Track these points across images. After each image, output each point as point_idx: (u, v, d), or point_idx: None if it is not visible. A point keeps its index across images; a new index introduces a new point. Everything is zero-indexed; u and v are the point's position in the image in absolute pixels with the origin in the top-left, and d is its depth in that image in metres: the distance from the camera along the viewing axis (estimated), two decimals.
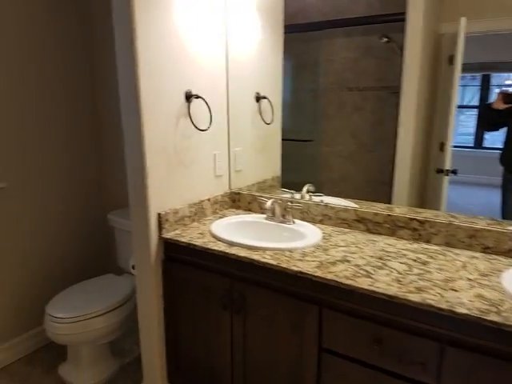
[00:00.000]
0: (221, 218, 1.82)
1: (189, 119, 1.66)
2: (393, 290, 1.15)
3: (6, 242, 2.07)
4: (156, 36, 1.48)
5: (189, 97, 1.65)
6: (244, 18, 1.85)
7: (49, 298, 2.28)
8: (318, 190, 1.81)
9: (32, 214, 2.17)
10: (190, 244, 1.53)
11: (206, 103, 1.72)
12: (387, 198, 1.67)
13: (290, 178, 1.95)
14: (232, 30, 1.83)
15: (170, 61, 1.55)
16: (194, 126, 1.67)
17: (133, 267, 1.76)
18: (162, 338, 1.73)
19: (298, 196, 1.84)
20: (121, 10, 1.41)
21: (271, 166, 2.02)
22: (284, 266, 1.31)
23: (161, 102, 1.54)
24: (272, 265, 1.33)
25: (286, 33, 1.86)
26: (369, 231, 1.64)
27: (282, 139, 1.98)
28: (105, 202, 2.54)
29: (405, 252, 1.43)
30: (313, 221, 1.75)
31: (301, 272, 1.28)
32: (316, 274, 1.25)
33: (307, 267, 1.30)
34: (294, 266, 1.31)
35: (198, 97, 1.67)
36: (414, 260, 1.36)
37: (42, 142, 2.17)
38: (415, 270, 1.28)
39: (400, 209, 1.61)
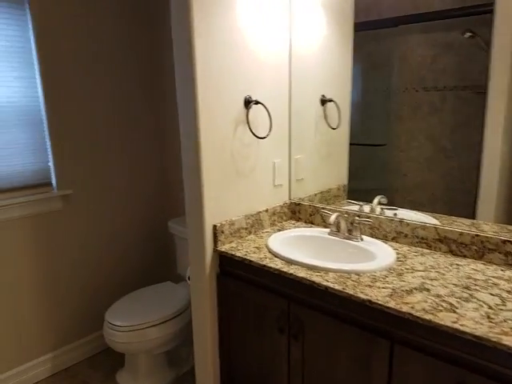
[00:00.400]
0: (279, 230, 1.70)
1: (247, 126, 1.57)
2: (482, 329, 0.95)
3: (71, 246, 2.14)
4: (216, 34, 1.40)
5: (248, 103, 1.55)
6: (309, 14, 1.72)
7: (110, 301, 2.33)
8: (390, 199, 1.62)
9: (95, 218, 2.22)
10: (244, 259, 1.42)
11: (266, 109, 1.61)
12: (470, 211, 1.43)
13: (358, 187, 1.78)
14: (296, 28, 1.71)
15: (229, 61, 1.47)
16: (253, 133, 1.57)
17: (189, 278, 1.71)
18: (215, 352, 1.64)
19: (367, 208, 1.66)
20: (178, 5, 1.35)
21: (336, 173, 1.86)
22: (350, 292, 1.16)
23: (219, 108, 1.46)
24: (335, 290, 1.18)
25: (355, 31, 1.71)
26: (452, 253, 1.41)
27: (350, 144, 1.82)
28: (167, 209, 2.55)
29: (496, 281, 1.20)
30: (384, 238, 1.57)
31: (370, 301, 1.11)
32: (388, 305, 1.08)
33: (377, 295, 1.13)
34: (362, 292, 1.15)
35: (257, 102, 1.57)
36: (509, 292, 1.13)
37: (106, 150, 2.21)
38: (510, 305, 1.05)
39: (489, 226, 1.37)
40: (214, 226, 1.51)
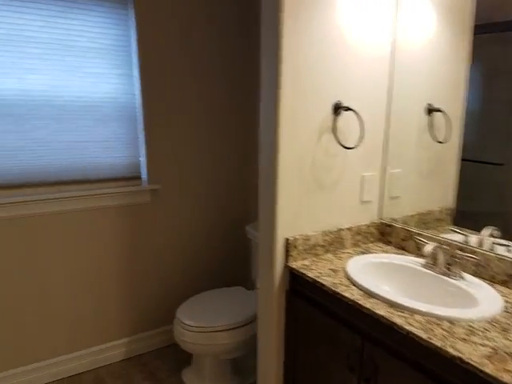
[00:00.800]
0: (362, 253, 1.51)
1: (333, 135, 1.42)
2: None
3: (154, 238, 2.22)
4: (307, 33, 1.29)
5: (337, 109, 1.40)
6: (418, 12, 1.50)
7: (182, 298, 2.36)
8: (504, 231, 1.33)
9: (179, 215, 2.27)
10: (316, 281, 1.28)
11: (359, 117, 1.45)
12: None
13: (465, 211, 1.50)
14: (401, 27, 1.50)
15: (320, 63, 1.34)
16: (340, 143, 1.42)
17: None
18: (279, 371, 1.53)
19: (473, 240, 1.38)
20: (268, 2, 1.27)
21: (440, 194, 1.59)
22: (437, 343, 0.95)
23: (303, 113, 1.34)
24: (419, 337, 0.98)
25: (475, 34, 1.44)
26: None
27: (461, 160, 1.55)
28: (247, 213, 2.51)
29: None
30: (491, 280, 1.29)
31: (461, 359, 0.90)
32: (484, 369, 0.85)
33: (472, 353, 0.90)
34: (452, 347, 0.93)
35: (348, 109, 1.41)
36: None
37: (193, 149, 2.24)
38: None
39: None
40: (286, 240, 1.39)
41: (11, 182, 1.80)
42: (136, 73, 2.00)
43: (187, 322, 1.86)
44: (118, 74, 1.96)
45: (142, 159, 2.11)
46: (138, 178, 2.13)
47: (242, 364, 2.16)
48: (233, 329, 1.87)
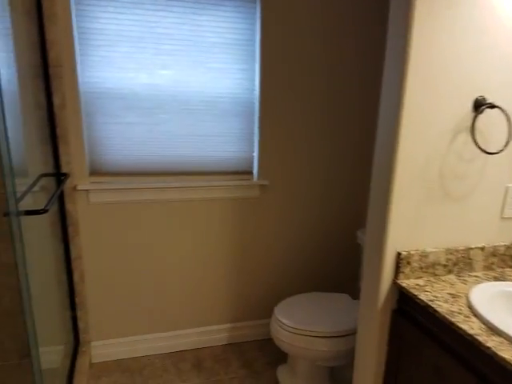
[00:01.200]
0: (495, 279, 1.26)
1: (471, 137, 1.19)
2: None
3: (261, 233, 2.23)
4: (448, 15, 1.10)
5: (479, 105, 1.17)
6: None
7: (283, 295, 2.34)
8: None
9: (287, 211, 2.24)
10: (429, 305, 1.10)
11: (507, 116, 1.19)
12: None
13: None
14: None
15: (461, 51, 1.13)
16: (479, 147, 1.19)
17: None
18: None
19: None
20: None
21: None
22: None
23: (432, 111, 1.16)
24: None
25: None
26: None
27: None
28: (359, 217, 2.34)
29: None
30: None
31: None
32: None
33: None
34: None
35: (493, 106, 1.17)
36: None
37: (307, 149, 2.18)
38: None
39: None
40: (398, 254, 1.23)
41: (139, 170, 1.98)
42: (257, 67, 2.01)
43: (284, 321, 1.82)
44: (240, 69, 1.99)
45: (255, 154, 2.13)
46: (249, 172, 2.15)
47: (339, 374, 2.04)
48: (332, 337, 1.77)
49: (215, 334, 2.29)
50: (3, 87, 1.54)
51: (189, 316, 2.23)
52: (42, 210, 1.24)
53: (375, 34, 2.11)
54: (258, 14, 1.94)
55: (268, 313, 2.36)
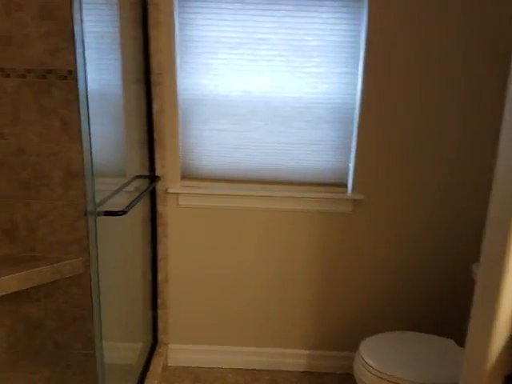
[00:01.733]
0: None
1: None
2: None
3: (351, 254, 2.02)
4: None
5: None
6: None
7: (372, 328, 2.08)
8: None
9: (384, 231, 1.99)
10: None
11: None
12: None
13: None
14: None
15: None
16: None
17: None
18: None
19: None
20: None
21: None
22: None
23: None
24: None
25: None
26: None
27: None
28: (477, 248, 1.96)
29: None
30: None
31: None
32: None
33: None
34: None
35: None
36: None
37: (413, 166, 1.90)
38: None
39: None
40: None
41: (227, 176, 1.96)
42: (360, 70, 1.83)
43: (367, 361, 1.58)
44: (339, 73, 1.83)
45: (351, 165, 1.93)
46: (343, 185, 1.96)
47: None
48: None
49: (293, 358, 2.14)
50: (109, 92, 1.65)
51: (268, 334, 2.13)
52: (121, 211, 1.27)
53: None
54: (365, 14, 1.75)
55: (351, 345, 2.11)
